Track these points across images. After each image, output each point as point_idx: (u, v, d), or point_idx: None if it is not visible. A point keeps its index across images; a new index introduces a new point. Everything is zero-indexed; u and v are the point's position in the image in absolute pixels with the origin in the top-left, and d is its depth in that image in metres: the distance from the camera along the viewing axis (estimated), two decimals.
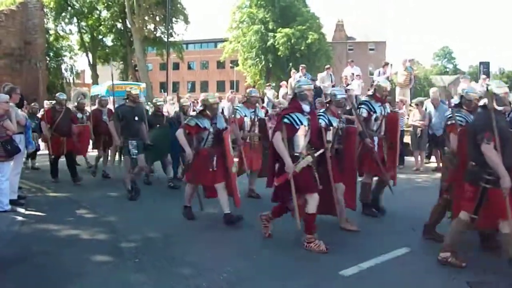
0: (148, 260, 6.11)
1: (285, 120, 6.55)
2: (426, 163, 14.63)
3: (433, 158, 14.79)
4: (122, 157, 11.35)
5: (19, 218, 8.27)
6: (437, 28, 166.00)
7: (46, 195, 10.63)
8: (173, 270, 5.78)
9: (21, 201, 9.24)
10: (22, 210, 8.73)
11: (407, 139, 14.85)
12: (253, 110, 10.19)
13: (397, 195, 8.25)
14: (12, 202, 8.70)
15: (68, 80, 45.06)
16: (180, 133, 7.96)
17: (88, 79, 56.01)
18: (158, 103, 12.47)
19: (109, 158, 13.26)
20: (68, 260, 6.18)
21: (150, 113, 12.68)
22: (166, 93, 27.70)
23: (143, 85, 27.83)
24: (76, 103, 14.71)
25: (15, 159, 8.82)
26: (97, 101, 14.06)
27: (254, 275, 5.67)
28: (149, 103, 18.48)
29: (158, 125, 11.70)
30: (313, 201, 6.48)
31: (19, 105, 9.70)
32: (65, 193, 10.64)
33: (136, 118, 10.02)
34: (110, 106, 13.27)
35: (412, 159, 14.44)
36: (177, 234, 7.46)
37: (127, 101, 10.18)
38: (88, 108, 15.30)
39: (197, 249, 6.73)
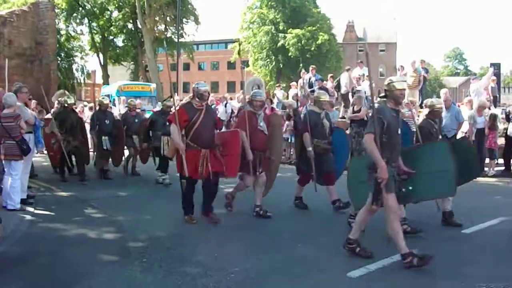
0: (155, 260, 6.11)
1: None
2: None
3: None
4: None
5: (28, 217, 8.32)
6: (448, 29, 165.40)
7: (55, 194, 10.68)
8: (180, 270, 5.76)
9: (30, 200, 9.29)
10: (31, 209, 8.79)
11: None
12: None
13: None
14: (21, 201, 8.75)
15: (79, 80, 45.28)
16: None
17: (99, 79, 56.25)
18: (168, 104, 12.52)
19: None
20: (76, 259, 6.19)
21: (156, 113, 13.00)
22: (176, 94, 27.69)
23: (153, 85, 27.92)
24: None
25: (25, 159, 8.86)
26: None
27: (262, 275, 5.64)
28: (159, 103, 18.64)
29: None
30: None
31: (26, 104, 9.77)
32: (74, 193, 10.69)
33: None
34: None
35: None
36: (184, 234, 7.46)
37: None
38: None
39: (204, 249, 6.73)
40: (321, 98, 9.27)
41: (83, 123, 12.88)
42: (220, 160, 7.99)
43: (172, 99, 9.64)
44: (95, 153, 13.19)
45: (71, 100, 12.36)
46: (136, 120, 13.29)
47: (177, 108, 8.39)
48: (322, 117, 9.12)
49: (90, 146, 13.96)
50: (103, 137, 12.53)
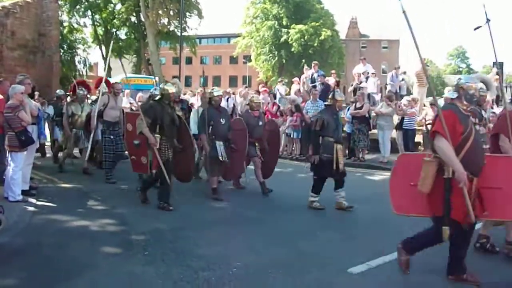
0: (157, 253, 6.14)
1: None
2: None
3: None
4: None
5: (30, 208, 8.35)
6: (451, 27, 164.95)
7: (57, 186, 10.68)
8: (182, 263, 5.80)
9: (33, 191, 9.29)
10: (33, 201, 8.80)
11: (419, 138, 14.80)
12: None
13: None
14: (24, 192, 8.77)
15: (81, 73, 45.19)
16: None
17: (101, 72, 56.20)
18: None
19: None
20: (78, 251, 6.22)
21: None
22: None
23: (156, 79, 27.88)
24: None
25: (28, 150, 8.87)
26: None
27: (263, 270, 5.67)
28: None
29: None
30: None
31: (30, 96, 9.78)
32: (76, 184, 10.71)
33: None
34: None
35: None
36: (186, 227, 7.48)
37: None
38: None
39: (207, 243, 6.74)
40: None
41: (185, 121, 10.04)
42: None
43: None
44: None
45: (173, 88, 9.05)
46: (260, 123, 10.36)
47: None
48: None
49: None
50: (217, 143, 9.58)
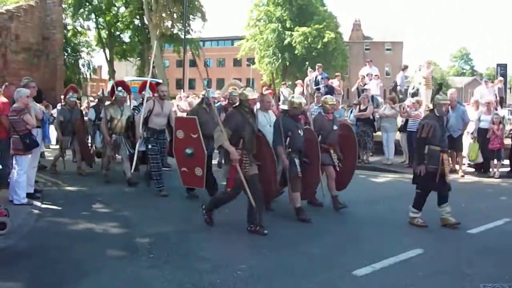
0: (162, 256, 6.14)
1: None
2: None
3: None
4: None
5: (35, 211, 8.35)
6: (455, 29, 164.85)
7: (62, 189, 10.69)
8: (187, 266, 5.80)
9: (37, 194, 9.32)
10: (38, 204, 8.81)
11: None
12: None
13: (412, 196, 8.19)
14: (28, 195, 8.78)
15: (85, 76, 45.29)
16: None
17: (105, 75, 56.31)
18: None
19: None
20: (82, 254, 6.23)
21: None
22: (182, 90, 27.71)
23: (160, 81, 27.91)
24: None
25: (33, 153, 8.89)
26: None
27: (268, 272, 5.67)
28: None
29: None
30: None
31: (38, 99, 9.80)
32: (81, 187, 10.72)
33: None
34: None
35: None
36: (191, 230, 7.48)
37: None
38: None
39: (211, 246, 6.75)
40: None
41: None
42: None
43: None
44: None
45: (254, 93, 7.76)
46: (335, 127, 9.12)
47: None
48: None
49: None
50: (294, 157, 8.18)
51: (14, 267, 5.75)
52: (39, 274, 5.55)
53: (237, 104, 7.72)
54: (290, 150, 8.07)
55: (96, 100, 15.68)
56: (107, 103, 12.02)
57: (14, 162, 8.59)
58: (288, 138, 8.05)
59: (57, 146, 13.28)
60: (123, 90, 11.32)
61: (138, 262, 5.97)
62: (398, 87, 19.58)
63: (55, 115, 13.89)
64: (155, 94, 10.74)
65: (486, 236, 7.41)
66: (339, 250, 6.57)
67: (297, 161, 8.16)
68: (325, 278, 5.54)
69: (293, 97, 8.83)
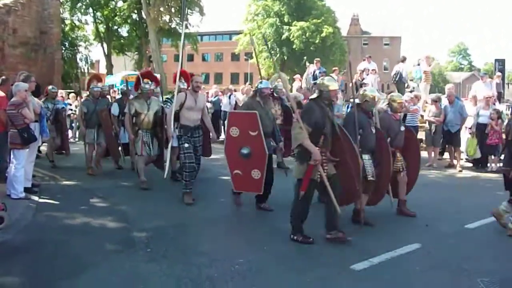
0: (159, 250, 6.14)
1: None
2: (439, 159, 14.53)
3: (446, 155, 14.71)
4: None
5: (33, 206, 8.34)
6: (453, 24, 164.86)
7: (59, 183, 10.69)
8: (184, 260, 5.80)
9: (35, 189, 9.31)
10: (35, 198, 8.81)
11: (421, 134, 14.78)
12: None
13: (410, 191, 8.20)
14: (26, 190, 8.76)
15: (82, 70, 45.24)
16: None
17: (102, 69, 56.24)
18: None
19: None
20: (80, 248, 6.22)
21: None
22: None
23: (158, 76, 27.86)
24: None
25: (30, 147, 8.88)
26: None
27: (266, 266, 5.67)
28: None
29: None
30: None
31: (36, 94, 9.78)
32: (78, 182, 10.71)
33: None
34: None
35: (425, 154, 14.36)
36: (188, 224, 7.49)
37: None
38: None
39: (209, 240, 6.75)
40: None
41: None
42: None
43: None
44: None
45: (335, 84, 6.88)
46: (402, 128, 8.30)
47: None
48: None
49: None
50: (364, 157, 7.35)
51: (12, 262, 5.74)
52: (37, 269, 5.54)
53: (314, 96, 6.72)
54: (360, 149, 7.04)
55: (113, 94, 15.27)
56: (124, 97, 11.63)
57: (11, 156, 8.58)
58: (359, 136, 7.09)
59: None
60: (150, 82, 10.33)
61: (136, 256, 5.96)
62: (403, 78, 19.39)
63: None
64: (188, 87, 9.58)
65: (484, 231, 7.43)
66: (337, 245, 6.55)
67: (367, 162, 7.38)
68: (323, 272, 5.54)
69: (365, 90, 7.82)
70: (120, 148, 12.15)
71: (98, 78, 12.58)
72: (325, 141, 6.46)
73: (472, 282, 5.30)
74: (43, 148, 13.18)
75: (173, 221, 7.57)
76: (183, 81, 9.86)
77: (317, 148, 6.31)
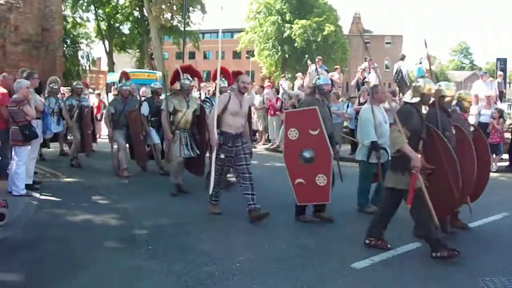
0: (160, 248, 6.15)
1: None
2: None
3: None
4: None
5: (34, 203, 8.35)
6: (454, 23, 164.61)
7: (61, 180, 10.69)
8: (185, 258, 5.80)
9: (36, 186, 9.31)
10: (37, 195, 8.81)
11: None
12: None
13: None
14: (27, 187, 8.78)
15: (84, 67, 45.27)
16: None
17: (104, 66, 56.28)
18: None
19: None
20: (81, 245, 6.23)
21: None
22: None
23: (159, 73, 27.85)
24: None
25: (32, 144, 8.88)
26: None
27: (267, 265, 5.67)
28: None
29: None
30: None
31: (38, 91, 9.78)
32: (80, 179, 10.72)
33: None
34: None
35: None
36: (189, 222, 7.47)
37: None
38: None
39: (210, 238, 6.75)
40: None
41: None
42: None
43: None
44: None
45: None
46: (472, 128, 7.67)
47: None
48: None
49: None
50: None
51: (13, 258, 5.74)
52: (38, 265, 5.55)
53: (414, 100, 6.06)
54: None
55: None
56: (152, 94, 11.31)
57: (13, 153, 8.59)
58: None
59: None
60: (190, 77, 9.63)
61: (137, 254, 5.97)
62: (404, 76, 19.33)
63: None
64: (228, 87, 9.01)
65: (485, 230, 7.42)
66: (338, 243, 6.56)
67: None
68: (324, 270, 5.54)
69: (440, 85, 6.77)
70: (148, 150, 11.42)
71: (127, 76, 11.88)
72: (424, 147, 6.03)
73: (473, 281, 5.29)
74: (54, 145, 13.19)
75: (174, 219, 7.57)
76: (223, 78, 9.18)
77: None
